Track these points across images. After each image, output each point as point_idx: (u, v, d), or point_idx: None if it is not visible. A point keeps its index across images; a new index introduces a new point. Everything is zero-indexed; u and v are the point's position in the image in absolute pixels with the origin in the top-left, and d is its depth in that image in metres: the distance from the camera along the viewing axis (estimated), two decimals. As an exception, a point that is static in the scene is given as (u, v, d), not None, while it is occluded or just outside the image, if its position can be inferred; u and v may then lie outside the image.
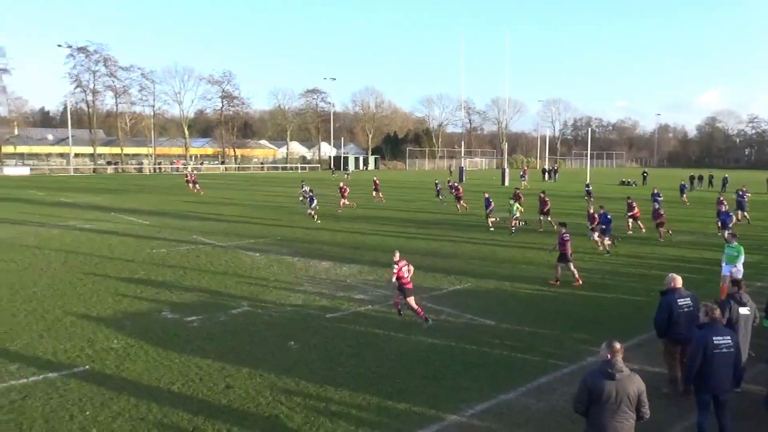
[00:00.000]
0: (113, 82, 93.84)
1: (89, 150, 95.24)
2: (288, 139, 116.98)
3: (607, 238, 19.93)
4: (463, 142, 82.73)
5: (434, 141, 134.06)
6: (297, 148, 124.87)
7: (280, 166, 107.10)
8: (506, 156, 74.69)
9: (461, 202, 32.73)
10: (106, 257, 18.24)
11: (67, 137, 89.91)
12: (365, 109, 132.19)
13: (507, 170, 65.16)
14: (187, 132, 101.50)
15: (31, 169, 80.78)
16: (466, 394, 8.20)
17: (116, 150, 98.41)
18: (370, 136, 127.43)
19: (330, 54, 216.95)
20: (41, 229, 24.47)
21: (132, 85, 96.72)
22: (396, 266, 11.44)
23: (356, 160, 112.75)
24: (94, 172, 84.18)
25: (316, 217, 28.07)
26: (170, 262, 17.43)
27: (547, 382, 8.70)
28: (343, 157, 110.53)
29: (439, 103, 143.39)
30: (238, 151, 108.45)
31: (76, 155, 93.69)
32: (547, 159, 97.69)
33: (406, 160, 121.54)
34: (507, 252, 19.70)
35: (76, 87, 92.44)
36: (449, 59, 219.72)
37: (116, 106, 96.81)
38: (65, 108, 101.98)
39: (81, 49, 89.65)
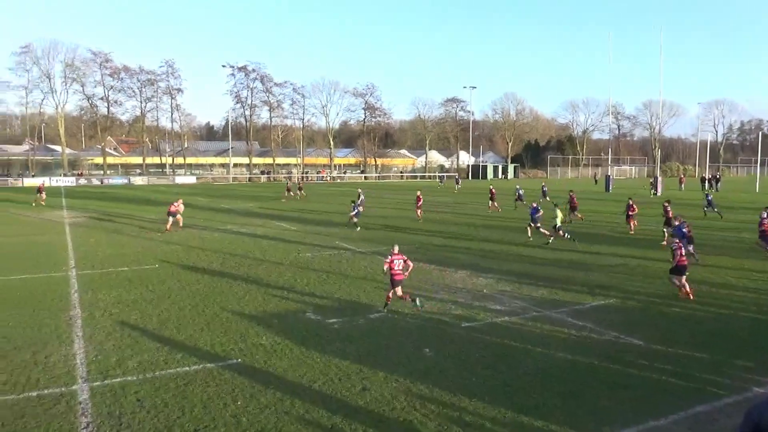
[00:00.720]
0: (268, 97, 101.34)
1: (245, 160, 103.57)
2: (426, 148, 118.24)
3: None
4: (609, 149, 78.38)
5: (578, 148, 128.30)
6: (435, 157, 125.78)
7: (419, 174, 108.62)
8: (659, 163, 69.46)
9: (576, 212, 31.27)
10: (258, 259, 19.61)
11: (228, 149, 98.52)
12: (505, 117, 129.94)
13: (660, 179, 60.58)
14: (332, 142, 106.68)
15: (196, 178, 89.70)
16: (608, 416, 7.67)
17: (269, 160, 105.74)
18: (510, 143, 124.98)
19: (470, 62, 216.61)
20: (204, 232, 26.97)
21: (284, 99, 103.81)
22: (389, 257, 12.78)
23: (495, 168, 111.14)
24: (249, 180, 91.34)
25: (357, 224, 28.39)
26: (314, 266, 18.31)
27: (705, 411, 7.87)
28: (481, 165, 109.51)
29: (584, 108, 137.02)
30: (379, 161, 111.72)
31: (235, 165, 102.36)
32: (707, 167, 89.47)
33: (547, 169, 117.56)
34: (656, 266, 18.18)
35: (236, 103, 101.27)
36: (596, 61, 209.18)
37: (270, 119, 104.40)
38: (226, 122, 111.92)
39: (241, 69, 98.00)
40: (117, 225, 29.89)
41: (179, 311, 12.93)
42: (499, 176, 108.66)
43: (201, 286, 15.45)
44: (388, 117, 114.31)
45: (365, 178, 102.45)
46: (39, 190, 43.94)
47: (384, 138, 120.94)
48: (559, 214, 23.66)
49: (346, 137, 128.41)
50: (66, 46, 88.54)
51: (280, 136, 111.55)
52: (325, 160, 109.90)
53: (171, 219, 27.07)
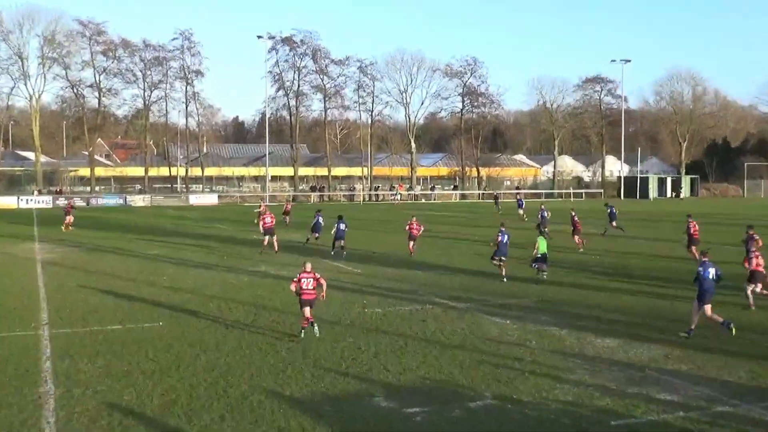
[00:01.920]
0: (322, 80, 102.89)
1: (289, 171, 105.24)
2: (555, 152, 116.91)
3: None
4: None
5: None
6: (569, 165, 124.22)
7: (543, 192, 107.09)
8: None
9: (693, 248, 30.97)
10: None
11: (264, 155, 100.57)
12: (676, 104, 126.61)
13: None
14: (413, 145, 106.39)
15: (219, 197, 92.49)
16: None
17: (322, 171, 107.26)
18: (684, 144, 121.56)
19: (619, 24, 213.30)
20: (229, 276, 27.64)
21: (346, 83, 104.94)
22: (297, 275, 17.19)
23: (660, 181, 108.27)
24: (294, 200, 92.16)
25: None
26: (387, 327, 18.31)
27: None
28: (640, 177, 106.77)
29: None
30: (484, 171, 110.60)
31: (273, 178, 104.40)
32: None
33: (743, 182, 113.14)
34: None
35: (278, 89, 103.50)
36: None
37: (324, 111, 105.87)
38: (262, 117, 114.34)
39: (285, 41, 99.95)
40: (107, 264, 31.13)
41: (191, 390, 13.17)
42: (667, 194, 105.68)
43: (222, 355, 15.71)
44: (498, 106, 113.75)
45: (462, 196, 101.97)
46: (67, 211, 48.74)
47: (491, 138, 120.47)
48: (542, 245, 26.29)
49: (434, 137, 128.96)
50: (46, 15, 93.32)
51: (339, 137, 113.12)
52: (403, 171, 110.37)
53: (288, 218, 35.49)
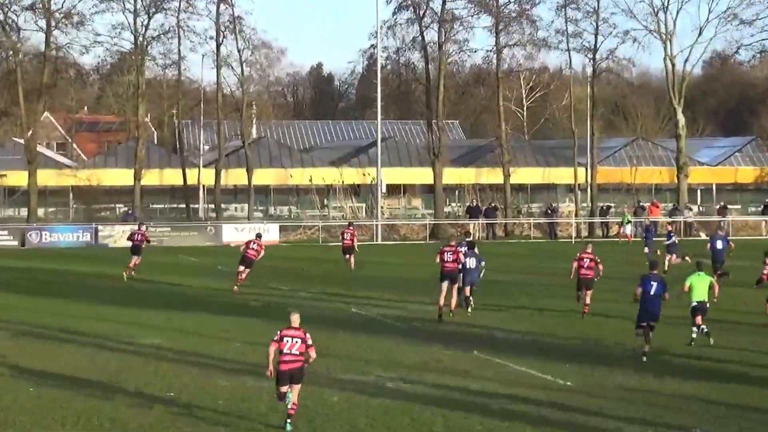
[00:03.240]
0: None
1: (423, 176, 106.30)
2: None
3: None
4: None
5: None
6: None
7: None
8: None
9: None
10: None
11: (371, 144, 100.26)
12: None
13: None
14: (681, 119, 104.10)
15: (283, 228, 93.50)
16: None
17: (492, 176, 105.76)
18: None
19: None
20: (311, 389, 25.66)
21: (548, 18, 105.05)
22: (277, 334, 20.14)
23: None
24: (431, 235, 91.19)
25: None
26: None
27: None
28: None
29: None
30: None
31: (391, 189, 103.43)
32: None
33: None
34: None
35: (398, 11, 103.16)
36: None
37: (496, 54, 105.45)
38: (368, 66, 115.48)
39: None
40: (63, 363, 30.60)
41: None
42: None
43: None
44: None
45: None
46: (135, 247, 57.79)
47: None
48: (698, 288, 32.48)
49: (724, 104, 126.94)
50: None
51: (526, 104, 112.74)
52: (658, 175, 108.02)
53: (351, 258, 49.93)
